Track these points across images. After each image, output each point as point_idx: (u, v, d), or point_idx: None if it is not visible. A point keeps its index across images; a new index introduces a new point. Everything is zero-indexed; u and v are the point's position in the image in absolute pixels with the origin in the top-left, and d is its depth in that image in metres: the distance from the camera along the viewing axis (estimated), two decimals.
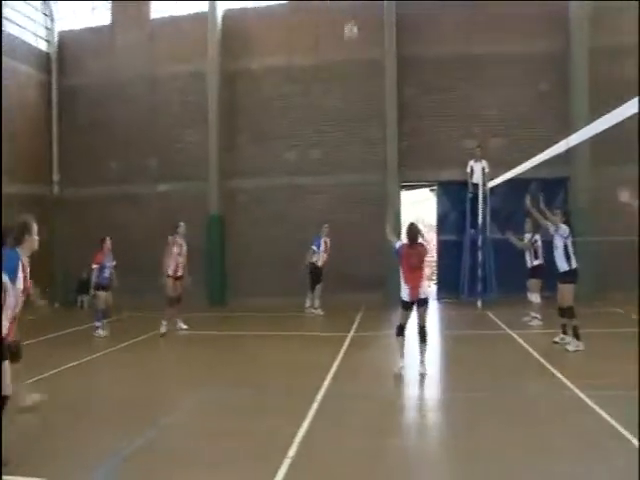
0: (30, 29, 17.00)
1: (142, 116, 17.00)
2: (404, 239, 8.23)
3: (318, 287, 14.00)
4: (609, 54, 14.76)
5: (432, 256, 17.20)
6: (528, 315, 11.65)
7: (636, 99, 5.22)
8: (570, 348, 8.94)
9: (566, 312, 9.22)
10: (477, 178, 14.68)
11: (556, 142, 8.39)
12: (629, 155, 14.33)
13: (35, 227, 5.02)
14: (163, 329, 11.18)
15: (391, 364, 8.38)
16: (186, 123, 16.81)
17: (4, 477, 4.37)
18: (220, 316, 14.76)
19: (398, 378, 7.78)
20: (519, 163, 10.84)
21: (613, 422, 5.56)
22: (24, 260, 4.93)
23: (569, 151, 9.47)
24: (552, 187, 15.25)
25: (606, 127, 6.25)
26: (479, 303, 13.90)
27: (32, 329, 10.01)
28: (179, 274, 11.49)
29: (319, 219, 15.43)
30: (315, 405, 6.40)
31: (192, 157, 16.66)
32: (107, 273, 11.43)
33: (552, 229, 9.46)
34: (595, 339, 9.49)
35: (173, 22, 17.00)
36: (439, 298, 15.83)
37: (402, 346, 8.07)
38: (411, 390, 7.57)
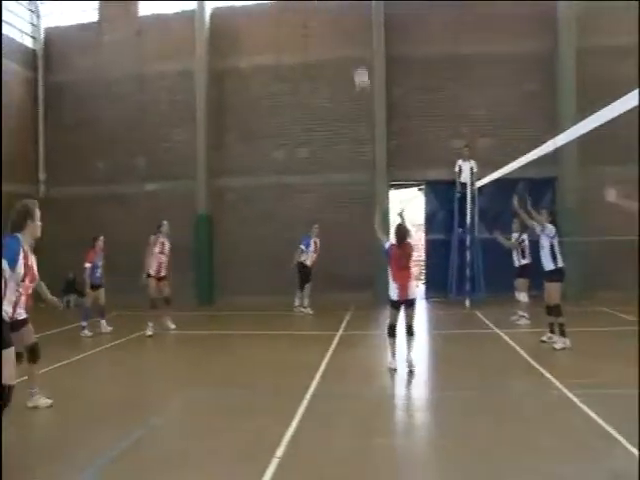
0: (16, 26, 16.83)
1: (129, 115, 16.90)
2: (393, 239, 8.28)
3: (307, 286, 14.00)
4: (597, 54, 14.87)
5: (419, 255, 17.28)
6: (516, 314, 11.71)
7: (625, 98, 5.25)
8: (557, 346, 9.00)
9: (553, 310, 9.29)
10: (465, 178, 14.72)
11: (544, 142, 8.42)
12: (617, 155, 14.49)
13: (37, 212, 4.94)
14: (149, 331, 11.05)
15: (380, 363, 8.44)
16: (174, 122, 16.73)
17: None
18: (208, 315, 14.71)
19: (387, 376, 7.80)
20: (507, 163, 10.87)
21: (600, 421, 5.59)
22: (25, 246, 4.84)
23: (557, 151, 9.54)
24: (540, 187, 15.34)
25: (594, 127, 6.28)
26: (467, 302, 13.94)
27: None
28: (162, 274, 11.30)
29: (307, 218, 15.43)
30: (304, 405, 6.39)
31: (180, 156, 16.59)
32: (99, 272, 11.42)
33: (538, 229, 9.52)
34: (582, 338, 9.56)
35: (161, 20, 16.93)
36: (427, 297, 15.88)
37: (394, 346, 8.14)
38: (400, 389, 7.57)
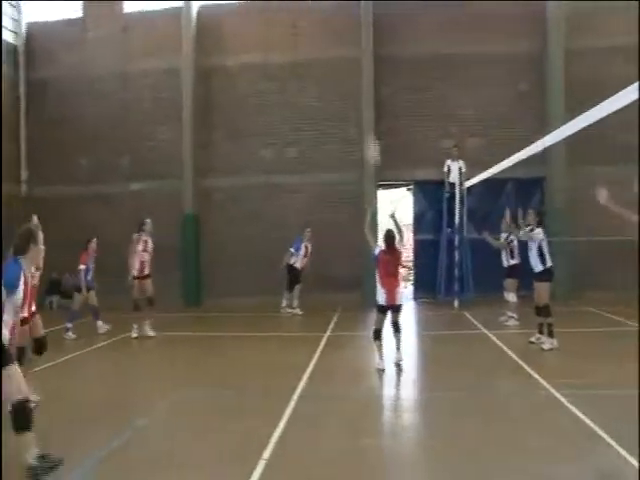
0: None
1: (114, 113, 16.80)
2: (381, 244, 8.43)
3: (297, 287, 14.05)
4: (586, 54, 15.01)
5: (408, 256, 17.35)
6: (505, 315, 11.79)
7: (613, 98, 5.33)
8: (545, 347, 9.09)
9: (542, 310, 9.39)
10: (454, 177, 14.80)
11: (533, 142, 8.51)
12: (606, 155, 14.65)
13: (41, 236, 4.87)
14: (134, 333, 11.00)
15: (367, 364, 8.50)
16: (159, 120, 16.65)
17: None
18: (195, 316, 14.68)
19: (375, 377, 7.86)
20: (496, 163, 10.95)
21: (588, 421, 5.66)
22: (27, 271, 4.77)
23: (545, 151, 9.63)
24: (528, 187, 15.51)
25: (582, 127, 6.36)
26: (456, 303, 14.01)
27: None
28: (145, 273, 11.16)
29: (295, 218, 15.51)
30: (291, 406, 6.42)
31: (166, 155, 16.52)
32: (90, 275, 11.43)
33: (526, 237, 9.58)
34: (570, 338, 9.66)
35: (146, 17, 16.84)
36: (416, 298, 15.95)
37: (381, 348, 8.27)
38: (388, 390, 7.62)
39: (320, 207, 15.88)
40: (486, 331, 10.89)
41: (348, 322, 12.70)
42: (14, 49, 17.22)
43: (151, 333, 11.10)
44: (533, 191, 15.57)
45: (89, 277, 11.43)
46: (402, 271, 9.03)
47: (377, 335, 8.29)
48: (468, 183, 13.99)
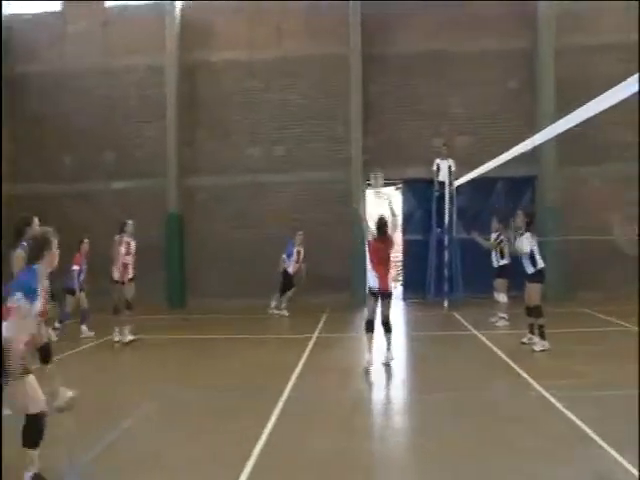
0: None
1: (96, 109, 16.69)
2: (374, 231, 8.56)
3: (290, 292, 14.04)
4: (577, 52, 15.14)
5: (397, 256, 17.41)
6: (495, 315, 11.88)
7: (603, 96, 5.40)
8: (536, 348, 9.17)
9: (533, 311, 9.49)
10: (443, 176, 14.86)
11: (524, 140, 8.58)
12: (597, 154, 14.81)
13: (55, 241, 4.81)
14: (116, 337, 10.86)
15: (356, 365, 8.53)
16: (143, 117, 16.59)
17: None
18: (180, 318, 14.63)
19: (364, 378, 7.91)
20: (486, 162, 11.03)
21: (579, 422, 5.74)
22: (42, 279, 4.70)
23: (536, 150, 9.72)
24: (519, 186, 15.62)
25: (572, 125, 6.43)
26: (445, 303, 14.08)
27: None
28: (128, 277, 10.96)
29: (282, 218, 15.54)
30: (279, 407, 6.46)
31: (150, 153, 16.47)
32: (82, 276, 11.39)
33: (519, 249, 9.67)
34: (562, 339, 9.76)
35: (129, 11, 16.76)
36: (405, 298, 16.01)
37: (371, 342, 8.42)
38: (377, 392, 7.67)
39: (307, 207, 15.90)
40: (476, 332, 10.96)
41: (336, 323, 12.72)
42: None
43: (130, 337, 10.84)
44: (524, 190, 15.69)
45: (81, 278, 11.38)
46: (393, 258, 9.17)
47: (369, 327, 8.48)
48: (458, 182, 14.06)
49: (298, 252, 14.06)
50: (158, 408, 6.71)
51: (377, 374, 8.15)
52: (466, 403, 6.64)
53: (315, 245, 14.93)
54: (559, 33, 15.11)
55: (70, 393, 6.43)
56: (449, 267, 14.42)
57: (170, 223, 16.18)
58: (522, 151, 8.78)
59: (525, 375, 7.65)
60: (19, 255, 6.11)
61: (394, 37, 15.87)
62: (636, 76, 4.58)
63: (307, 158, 16.14)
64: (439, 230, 15.03)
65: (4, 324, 4.38)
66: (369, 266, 8.52)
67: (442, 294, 14.36)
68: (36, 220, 6.51)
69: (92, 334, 11.53)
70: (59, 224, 5.69)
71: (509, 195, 15.59)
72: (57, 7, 17.12)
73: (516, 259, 9.94)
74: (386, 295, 8.51)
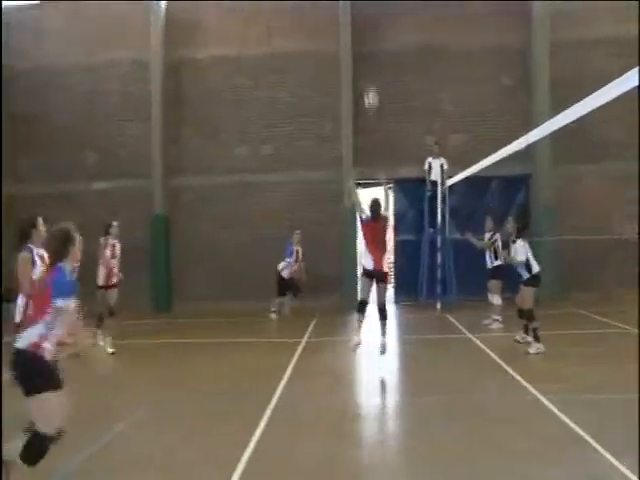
0: None
1: (78, 106, 16.55)
2: (367, 212, 8.71)
3: (288, 297, 13.86)
4: (572, 47, 15.21)
5: (388, 258, 17.40)
6: (489, 317, 11.91)
7: (597, 93, 5.43)
8: (531, 350, 9.21)
9: (525, 314, 9.61)
10: (435, 175, 14.89)
11: (518, 139, 8.61)
12: (592, 153, 14.90)
13: (77, 236, 4.79)
14: (101, 342, 10.72)
15: (346, 370, 8.55)
16: (127, 115, 16.49)
17: None
18: (166, 322, 14.56)
19: (355, 383, 7.91)
20: (479, 160, 11.07)
21: (573, 425, 5.77)
22: (69, 277, 4.66)
23: (531, 148, 9.76)
24: (513, 185, 15.68)
25: (567, 123, 6.46)
26: (438, 305, 14.11)
27: None
28: (113, 282, 10.69)
29: (271, 219, 15.54)
30: (267, 413, 6.46)
31: (134, 152, 16.38)
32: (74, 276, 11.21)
33: (514, 261, 9.74)
34: (557, 341, 9.80)
35: (112, 5, 16.60)
36: (397, 301, 16.02)
37: (361, 323, 8.54)
38: (368, 396, 7.68)
39: (297, 207, 15.87)
40: (470, 334, 10.99)
41: (327, 327, 12.71)
42: None
43: (110, 350, 10.38)
44: (518, 189, 15.75)
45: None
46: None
47: (361, 307, 8.58)
48: (450, 181, 14.10)
49: (296, 251, 13.91)
50: (148, 412, 6.70)
51: (368, 379, 8.15)
52: (458, 406, 6.66)
53: (305, 247, 14.91)
54: (554, 29, 15.16)
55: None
56: (442, 268, 14.45)
57: (155, 224, 16.11)
58: (516, 149, 8.84)
59: (519, 378, 7.69)
60: (25, 257, 6.14)
61: (385, 34, 15.90)
62: (633, 71, 4.59)
63: (296, 157, 16.12)
64: (431, 230, 15.06)
65: (31, 331, 4.37)
66: (364, 247, 8.71)
67: (435, 296, 14.38)
68: (40, 220, 6.50)
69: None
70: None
71: (503, 194, 15.64)
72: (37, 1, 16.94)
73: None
74: (381, 277, 8.62)
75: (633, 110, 13.06)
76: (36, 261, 6.22)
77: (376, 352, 8.76)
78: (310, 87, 16.14)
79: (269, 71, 16.24)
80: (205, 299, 15.66)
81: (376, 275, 8.59)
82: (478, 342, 10.25)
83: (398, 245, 16.45)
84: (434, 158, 14.98)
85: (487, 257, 11.89)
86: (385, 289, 8.80)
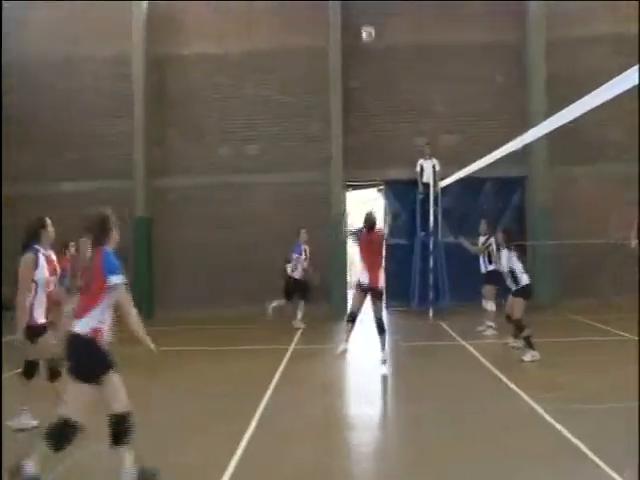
0: None
1: (56, 104, 16.42)
2: (363, 226, 8.79)
3: (302, 301, 13.59)
4: (569, 46, 15.29)
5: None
6: (483, 324, 11.90)
7: (594, 93, 5.41)
8: (526, 358, 9.20)
9: (512, 323, 9.77)
10: (428, 177, 14.89)
11: (513, 139, 8.60)
12: (590, 153, 14.96)
13: (115, 220, 4.92)
14: None
15: (334, 379, 8.52)
16: (108, 113, 16.38)
17: None
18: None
19: (343, 393, 7.87)
20: (473, 161, 11.06)
21: (569, 435, 5.75)
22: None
23: (527, 149, 9.78)
24: (508, 187, 15.71)
25: (564, 122, 6.45)
26: (431, 312, 14.09)
27: None
28: None
29: (258, 221, 15.46)
30: (253, 423, 6.40)
31: (115, 152, 16.24)
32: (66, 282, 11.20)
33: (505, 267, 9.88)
34: (553, 349, 9.81)
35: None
36: (388, 307, 15.93)
37: (349, 331, 8.59)
38: (356, 405, 7.64)
39: (285, 210, 15.80)
40: (463, 342, 10.98)
41: (314, 334, 12.64)
42: None
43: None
44: (513, 191, 15.79)
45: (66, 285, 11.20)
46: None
47: (351, 318, 8.63)
48: (443, 183, 14.09)
49: (305, 250, 13.69)
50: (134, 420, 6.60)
51: (357, 388, 8.11)
52: (450, 416, 6.63)
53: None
54: (550, 26, 15.22)
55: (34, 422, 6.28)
56: (434, 273, 14.43)
57: (137, 227, 15.99)
58: (511, 150, 8.82)
59: (513, 386, 7.68)
60: (28, 259, 6.10)
61: (377, 27, 15.79)
62: (632, 70, 4.57)
63: (283, 158, 16.07)
64: (423, 234, 15.04)
65: (88, 319, 4.60)
66: (360, 261, 8.71)
67: (427, 302, 14.36)
68: (49, 221, 6.50)
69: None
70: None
71: (498, 196, 15.68)
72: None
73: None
74: (375, 293, 8.62)
75: (632, 110, 13.11)
76: (41, 263, 6.19)
77: (366, 360, 8.74)
78: (297, 85, 16.11)
79: (255, 69, 16.20)
80: (189, 305, 15.55)
81: (371, 292, 8.61)
82: (472, 349, 10.23)
83: (389, 249, 16.35)
84: (426, 159, 14.97)
85: (481, 261, 11.89)
86: (380, 305, 8.78)
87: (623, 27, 14.76)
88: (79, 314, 4.64)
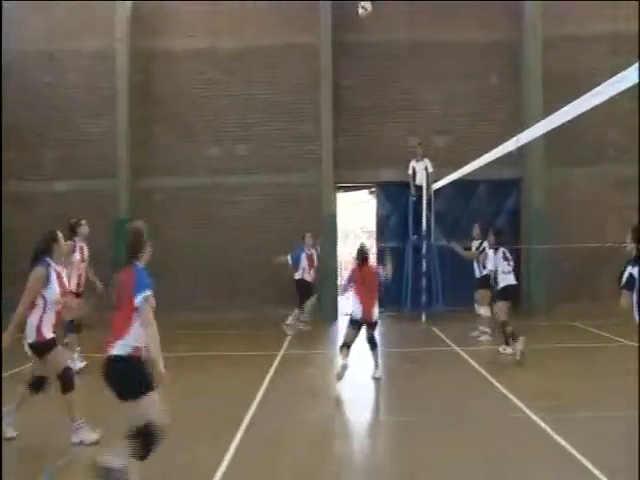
0: None
1: (37, 100, 16.25)
2: (355, 261, 9.04)
3: (309, 302, 13.55)
4: (566, 44, 15.33)
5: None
6: (477, 330, 11.91)
7: (591, 93, 5.43)
8: (508, 350, 9.67)
9: (499, 328, 10.13)
10: (420, 180, 14.89)
11: (508, 140, 8.63)
12: (588, 155, 15.02)
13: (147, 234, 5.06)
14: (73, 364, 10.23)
15: (325, 386, 8.53)
16: (90, 110, 16.19)
17: None
18: None
19: (334, 401, 7.88)
20: (467, 163, 11.09)
21: (568, 446, 5.73)
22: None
23: (522, 150, 9.79)
24: (503, 189, 15.75)
25: (560, 123, 6.47)
26: (423, 317, 14.11)
27: None
28: (81, 289, 10.03)
29: (247, 223, 15.41)
30: (239, 435, 6.35)
31: (97, 150, 16.07)
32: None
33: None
34: (549, 355, 9.87)
35: None
36: (379, 312, 15.93)
37: (346, 357, 8.52)
38: (347, 414, 7.65)
39: (274, 211, 15.77)
40: (457, 348, 10.99)
41: (304, 339, 12.61)
42: None
43: (81, 364, 9.86)
44: (508, 193, 15.83)
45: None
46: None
47: (344, 348, 8.59)
48: (436, 185, 14.11)
49: (309, 256, 13.62)
50: (114, 434, 6.52)
51: (347, 396, 8.10)
52: (445, 425, 6.62)
53: (281, 254, 14.83)
54: (547, 23, 15.24)
55: (95, 435, 6.22)
56: (427, 277, 14.43)
57: (120, 229, 15.85)
58: (506, 151, 8.84)
59: (508, 394, 7.68)
60: (39, 273, 6.09)
61: (368, 25, 15.82)
62: (631, 68, 4.59)
63: (273, 158, 15.99)
64: (416, 237, 15.04)
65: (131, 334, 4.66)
66: (354, 294, 8.71)
67: (419, 306, 14.36)
68: (60, 234, 6.55)
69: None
70: None
71: (492, 199, 15.72)
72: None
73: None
74: (370, 325, 8.77)
75: (630, 110, 13.18)
76: (52, 279, 6.17)
77: (357, 368, 8.75)
78: (288, 82, 16.06)
79: (245, 66, 16.13)
80: (174, 309, 15.41)
81: (365, 324, 8.74)
82: (466, 356, 10.24)
83: (381, 253, 16.41)
84: (417, 161, 14.98)
85: (475, 266, 11.89)
86: (374, 330, 8.92)
87: (620, 26, 14.84)
88: (116, 334, 4.71)
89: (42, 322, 6.06)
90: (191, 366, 10.30)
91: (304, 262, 13.54)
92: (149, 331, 4.70)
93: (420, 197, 14.69)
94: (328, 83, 15.62)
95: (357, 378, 8.86)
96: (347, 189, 17.21)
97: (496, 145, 9.22)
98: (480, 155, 10.07)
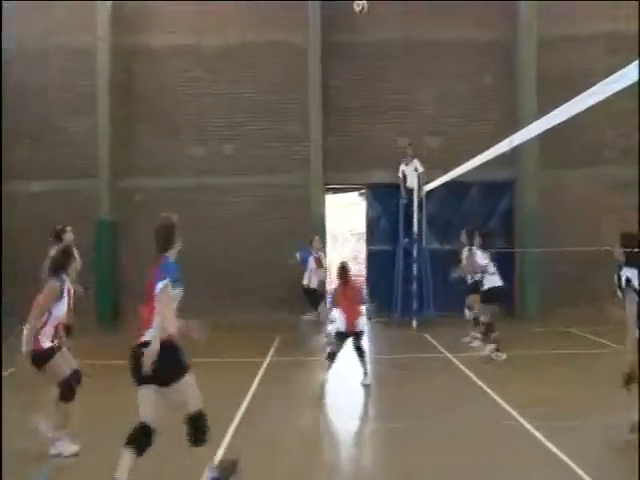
0: None
1: (14, 98, 16.17)
2: (336, 279, 9.28)
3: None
4: (561, 44, 15.43)
5: (359, 269, 17.44)
6: (468, 335, 11.95)
7: (588, 92, 5.47)
8: (474, 343, 10.40)
9: (484, 330, 10.51)
10: (411, 182, 14.91)
11: (502, 140, 8.67)
12: (582, 156, 15.11)
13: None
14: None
15: (313, 394, 8.56)
16: (70, 109, 16.18)
17: None
18: (111, 341, 14.25)
19: (321, 408, 7.94)
20: (459, 164, 11.13)
21: (558, 452, 5.80)
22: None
23: (516, 151, 9.87)
24: (496, 191, 15.82)
25: (555, 124, 6.51)
26: (414, 322, 14.13)
27: None
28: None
29: (232, 225, 15.38)
30: (228, 438, 6.39)
31: (77, 150, 16.04)
32: None
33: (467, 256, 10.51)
34: (543, 361, 9.93)
35: None
36: (369, 317, 15.95)
37: (331, 366, 8.82)
38: (336, 422, 7.67)
39: (261, 214, 15.79)
40: (448, 354, 11.03)
41: (291, 345, 12.61)
42: None
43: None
44: (501, 195, 15.90)
45: None
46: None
47: (331, 357, 8.84)
48: (428, 187, 14.14)
49: (317, 259, 13.79)
50: (97, 445, 6.49)
51: (336, 404, 8.13)
52: (436, 433, 6.66)
53: (267, 258, 14.86)
54: (542, 23, 15.32)
55: (75, 447, 6.23)
56: (418, 281, 14.46)
57: (101, 231, 15.81)
58: (499, 152, 8.89)
59: (500, 401, 7.74)
60: (53, 288, 6.16)
61: (358, 22, 15.86)
62: (630, 67, 4.63)
63: (259, 159, 16.02)
64: (407, 240, 15.06)
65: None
66: (337, 307, 8.94)
67: (410, 312, 14.38)
68: (75, 251, 6.69)
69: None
70: None
71: (485, 201, 15.80)
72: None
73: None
74: (356, 335, 8.91)
75: (628, 111, 13.27)
76: (64, 296, 6.25)
77: (347, 375, 8.79)
78: (275, 81, 16.07)
79: (231, 64, 16.13)
80: None
81: (351, 335, 8.88)
82: (457, 362, 10.29)
83: (371, 256, 16.45)
84: (407, 164, 14.99)
85: None
86: (361, 340, 9.09)
87: (616, 26, 14.97)
88: (145, 325, 4.95)
89: (40, 333, 6.09)
90: None
91: (312, 264, 13.74)
92: (156, 321, 4.92)
93: (411, 199, 14.71)
94: (317, 83, 15.65)
95: (347, 385, 8.89)
96: (336, 191, 17.23)
97: (490, 146, 9.26)
98: (473, 156, 10.12)
